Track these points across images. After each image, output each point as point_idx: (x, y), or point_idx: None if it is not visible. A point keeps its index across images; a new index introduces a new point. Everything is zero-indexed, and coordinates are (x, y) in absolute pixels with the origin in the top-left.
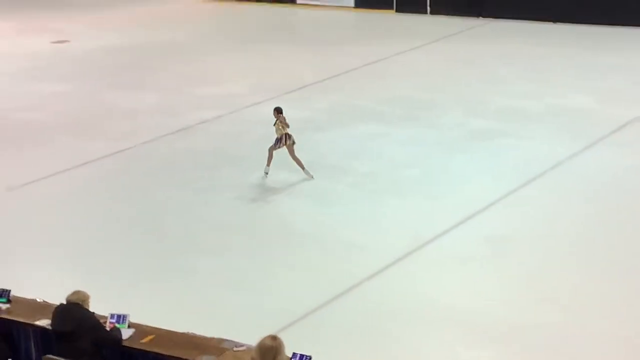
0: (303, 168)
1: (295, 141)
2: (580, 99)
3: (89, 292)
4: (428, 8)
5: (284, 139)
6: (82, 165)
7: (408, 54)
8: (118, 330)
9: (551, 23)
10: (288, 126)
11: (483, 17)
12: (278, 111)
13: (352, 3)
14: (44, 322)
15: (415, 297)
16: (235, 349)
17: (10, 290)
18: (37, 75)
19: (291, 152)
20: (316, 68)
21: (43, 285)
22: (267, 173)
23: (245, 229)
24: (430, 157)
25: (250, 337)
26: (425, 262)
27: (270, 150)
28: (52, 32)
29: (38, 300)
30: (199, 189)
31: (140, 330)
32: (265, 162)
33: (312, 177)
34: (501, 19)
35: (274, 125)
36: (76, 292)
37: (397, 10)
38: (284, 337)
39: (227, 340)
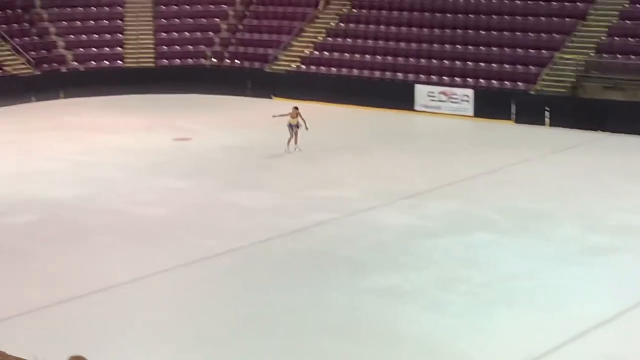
0: (295, 142)
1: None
2: None
3: None
4: (547, 120)
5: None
6: (197, 262)
7: (525, 165)
8: None
9: None
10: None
11: (603, 130)
12: (296, 109)
13: (471, 112)
14: None
15: None
16: None
17: None
18: (159, 171)
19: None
20: (432, 175)
21: None
22: (287, 150)
23: (354, 334)
24: (545, 270)
25: None
26: None
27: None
28: (175, 129)
29: None
30: (310, 290)
31: None
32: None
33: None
34: (622, 134)
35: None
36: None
37: (516, 121)
38: None
39: None
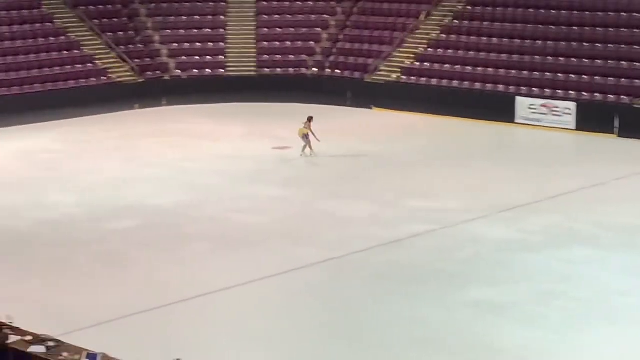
0: (304, 148)
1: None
2: None
3: None
4: None
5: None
6: (293, 271)
7: (629, 180)
8: None
9: None
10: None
11: None
12: (310, 119)
13: (573, 125)
14: None
15: None
16: None
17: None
18: (258, 179)
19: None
20: (532, 188)
21: None
22: (302, 155)
23: (449, 347)
24: None
25: None
26: None
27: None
28: (274, 138)
29: None
30: (405, 303)
31: None
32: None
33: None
34: None
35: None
36: None
37: (619, 135)
38: None
39: None
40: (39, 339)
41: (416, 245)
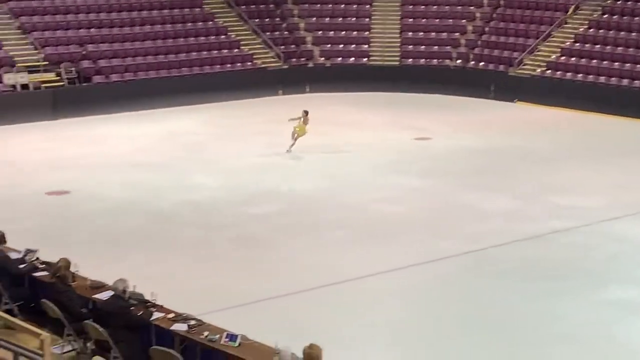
0: (292, 144)
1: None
2: None
3: None
4: None
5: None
6: (429, 263)
7: None
8: None
9: None
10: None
11: None
12: (306, 113)
13: None
14: None
15: None
16: None
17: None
18: (398, 169)
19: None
20: None
21: None
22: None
23: (590, 346)
24: None
25: None
26: None
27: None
28: (416, 129)
29: None
30: (542, 299)
31: None
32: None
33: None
34: None
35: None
36: None
37: None
38: None
39: None
40: (181, 318)
41: (556, 241)
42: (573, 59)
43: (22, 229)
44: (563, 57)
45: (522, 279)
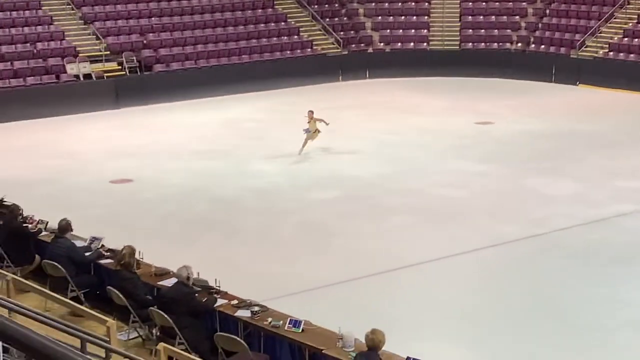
0: (302, 147)
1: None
2: None
3: None
4: None
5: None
6: (493, 247)
7: None
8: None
9: None
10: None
11: None
12: (312, 112)
13: None
14: None
15: None
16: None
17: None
18: (460, 154)
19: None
20: None
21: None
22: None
23: None
24: None
25: None
26: None
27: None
28: (477, 113)
29: None
30: (608, 284)
31: None
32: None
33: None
34: None
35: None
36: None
37: None
38: None
39: None
40: (244, 304)
41: (621, 226)
42: (636, 40)
43: (87, 217)
44: (626, 39)
45: (586, 262)
